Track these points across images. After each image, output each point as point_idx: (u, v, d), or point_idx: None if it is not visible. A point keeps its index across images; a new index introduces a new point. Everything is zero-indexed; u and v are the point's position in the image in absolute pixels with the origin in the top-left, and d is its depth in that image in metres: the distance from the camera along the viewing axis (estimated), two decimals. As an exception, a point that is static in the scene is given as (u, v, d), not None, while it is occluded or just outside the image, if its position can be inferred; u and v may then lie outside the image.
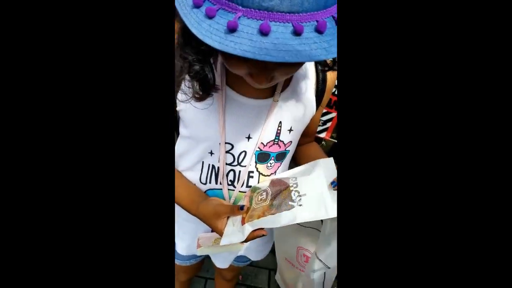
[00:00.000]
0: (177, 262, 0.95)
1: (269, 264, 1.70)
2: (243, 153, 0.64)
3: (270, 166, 0.68)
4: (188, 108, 0.59)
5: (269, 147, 0.64)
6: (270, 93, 0.60)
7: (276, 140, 0.64)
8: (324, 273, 0.69)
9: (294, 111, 0.63)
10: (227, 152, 0.64)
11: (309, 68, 0.64)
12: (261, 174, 0.68)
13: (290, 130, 0.64)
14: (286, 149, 0.67)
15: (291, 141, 0.67)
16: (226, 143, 0.63)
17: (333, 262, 0.64)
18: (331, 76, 0.66)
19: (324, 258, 0.64)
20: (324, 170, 0.57)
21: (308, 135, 0.75)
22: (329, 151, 2.45)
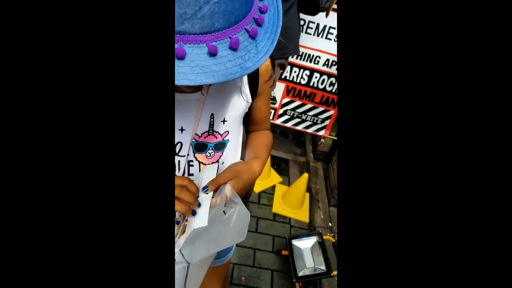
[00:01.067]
0: None
1: (271, 265, 1.71)
2: (179, 144, 0.66)
3: (210, 155, 0.70)
4: None
5: (205, 137, 0.66)
6: (198, 87, 0.61)
7: (211, 131, 0.66)
8: (188, 267, 0.71)
9: (227, 103, 0.65)
10: None
11: None
12: (201, 163, 0.70)
13: (224, 121, 0.66)
14: (224, 139, 0.69)
15: (227, 131, 0.68)
16: None
17: (195, 258, 0.66)
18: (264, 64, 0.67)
19: (186, 253, 0.66)
20: (204, 176, 0.62)
21: (256, 123, 0.77)
22: (330, 149, 2.45)
